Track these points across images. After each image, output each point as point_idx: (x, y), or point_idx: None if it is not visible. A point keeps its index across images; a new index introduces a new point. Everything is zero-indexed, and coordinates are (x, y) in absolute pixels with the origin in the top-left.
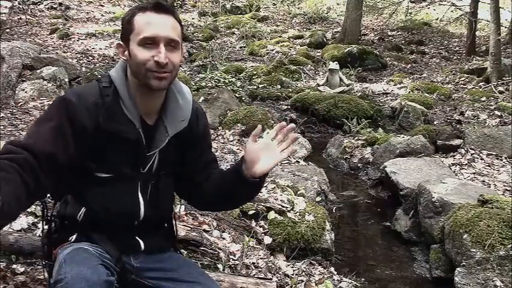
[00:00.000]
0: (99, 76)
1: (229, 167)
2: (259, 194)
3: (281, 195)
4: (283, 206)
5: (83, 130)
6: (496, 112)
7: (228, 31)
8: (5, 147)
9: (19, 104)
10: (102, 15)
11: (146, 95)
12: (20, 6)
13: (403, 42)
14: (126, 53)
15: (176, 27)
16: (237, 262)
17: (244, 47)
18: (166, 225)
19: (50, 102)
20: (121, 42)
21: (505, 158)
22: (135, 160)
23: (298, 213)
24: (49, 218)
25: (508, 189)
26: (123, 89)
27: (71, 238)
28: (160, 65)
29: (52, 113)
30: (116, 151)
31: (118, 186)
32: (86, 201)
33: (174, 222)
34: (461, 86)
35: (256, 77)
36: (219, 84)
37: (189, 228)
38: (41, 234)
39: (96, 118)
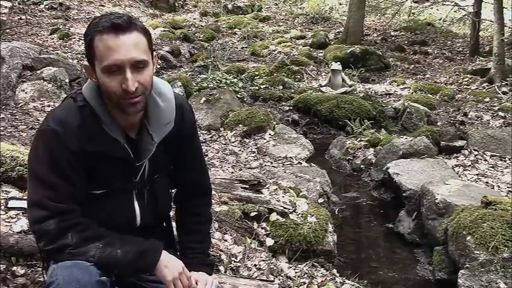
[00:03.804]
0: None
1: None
2: (261, 195)
3: (283, 196)
4: (285, 208)
5: (75, 155)
6: (500, 113)
7: (230, 31)
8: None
9: (19, 105)
10: None
11: (125, 112)
12: (20, 6)
13: (406, 42)
14: (95, 76)
15: (140, 43)
16: (238, 264)
17: (246, 47)
18: (164, 224)
19: (51, 103)
20: (87, 64)
21: (509, 159)
22: (126, 173)
23: (300, 215)
24: None
25: None
26: (100, 109)
27: None
28: (130, 92)
29: (44, 151)
30: (106, 168)
31: (112, 199)
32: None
33: (171, 223)
34: (465, 86)
35: (258, 78)
36: (221, 84)
37: None
38: None
39: (82, 141)
